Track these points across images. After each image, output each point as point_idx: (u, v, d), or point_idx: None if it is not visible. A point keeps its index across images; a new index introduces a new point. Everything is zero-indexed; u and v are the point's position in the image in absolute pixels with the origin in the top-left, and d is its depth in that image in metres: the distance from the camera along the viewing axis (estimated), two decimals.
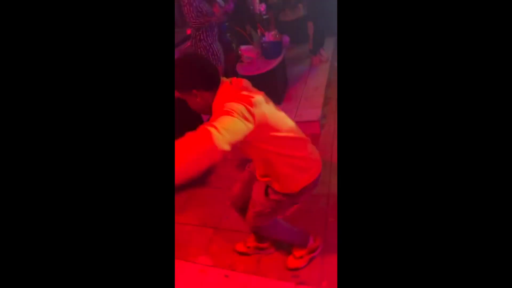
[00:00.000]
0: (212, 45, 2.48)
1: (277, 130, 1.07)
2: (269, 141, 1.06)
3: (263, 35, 2.96)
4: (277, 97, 2.96)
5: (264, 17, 3.48)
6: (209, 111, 1.04)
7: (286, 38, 3.10)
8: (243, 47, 3.00)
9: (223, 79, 1.07)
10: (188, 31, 3.34)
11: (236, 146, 0.95)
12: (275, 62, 2.85)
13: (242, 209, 1.44)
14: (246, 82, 1.13)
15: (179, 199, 2.20)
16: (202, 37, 2.43)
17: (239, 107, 0.93)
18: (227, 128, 0.86)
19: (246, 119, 0.93)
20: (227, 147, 0.83)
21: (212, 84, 1.03)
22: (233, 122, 0.90)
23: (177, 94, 1.02)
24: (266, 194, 1.25)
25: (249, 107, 0.95)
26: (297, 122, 1.22)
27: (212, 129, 0.83)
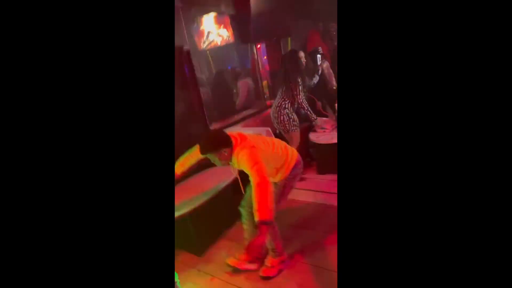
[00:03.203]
0: (293, 114, 2.85)
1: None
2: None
3: None
4: None
5: None
6: (230, 159, 1.74)
7: None
8: (319, 118, 3.13)
9: (231, 137, 1.75)
10: (268, 103, 3.70)
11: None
12: None
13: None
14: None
15: None
16: (286, 106, 2.79)
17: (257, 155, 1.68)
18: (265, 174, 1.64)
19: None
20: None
21: (231, 143, 1.72)
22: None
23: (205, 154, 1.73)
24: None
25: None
26: None
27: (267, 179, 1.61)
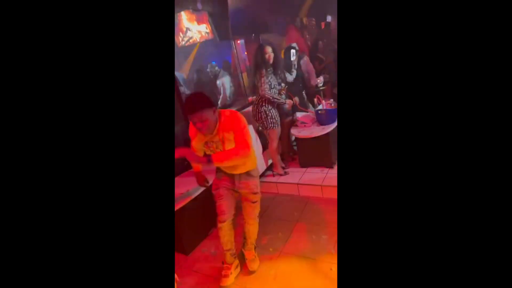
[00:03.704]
0: (271, 111, 2.83)
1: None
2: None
3: (319, 103, 3.15)
4: (329, 160, 2.96)
5: (321, 88, 3.73)
6: (213, 128, 1.70)
7: None
8: (299, 114, 3.20)
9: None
10: (250, 100, 3.73)
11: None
12: (329, 128, 2.94)
13: (232, 222, 1.92)
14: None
15: None
16: (264, 104, 2.78)
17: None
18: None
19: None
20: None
21: (213, 104, 1.66)
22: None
23: (198, 116, 1.59)
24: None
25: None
26: None
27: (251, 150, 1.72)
